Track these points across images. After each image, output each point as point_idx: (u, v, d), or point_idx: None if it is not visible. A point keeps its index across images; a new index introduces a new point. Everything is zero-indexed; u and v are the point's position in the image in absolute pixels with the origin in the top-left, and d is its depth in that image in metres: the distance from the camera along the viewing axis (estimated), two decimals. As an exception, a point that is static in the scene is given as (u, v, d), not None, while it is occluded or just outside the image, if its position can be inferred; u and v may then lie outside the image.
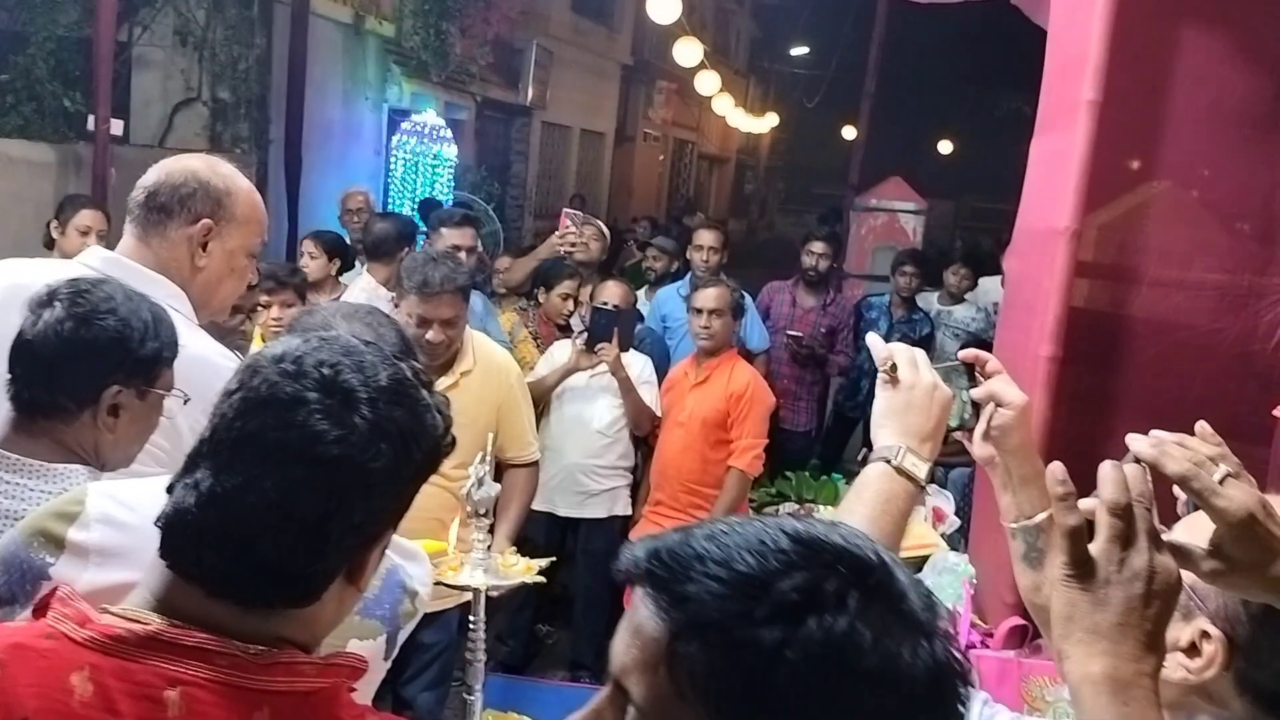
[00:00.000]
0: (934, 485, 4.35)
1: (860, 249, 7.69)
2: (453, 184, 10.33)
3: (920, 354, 1.31)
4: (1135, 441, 0.99)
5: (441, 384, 3.11)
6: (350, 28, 9.51)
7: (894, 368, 1.27)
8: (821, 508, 4.13)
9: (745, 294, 4.99)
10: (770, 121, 24.37)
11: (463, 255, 4.18)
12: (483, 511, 2.12)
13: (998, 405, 1.35)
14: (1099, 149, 2.69)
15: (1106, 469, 0.92)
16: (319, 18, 8.70)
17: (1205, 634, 1.11)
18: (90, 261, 1.99)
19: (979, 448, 1.37)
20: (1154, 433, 1.01)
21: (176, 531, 1.00)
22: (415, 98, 10.52)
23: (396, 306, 3.12)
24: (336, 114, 9.40)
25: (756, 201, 28.65)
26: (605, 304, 4.20)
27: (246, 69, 8.16)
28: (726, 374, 4.08)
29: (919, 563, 3.31)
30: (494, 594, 2.17)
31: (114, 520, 1.26)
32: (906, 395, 1.26)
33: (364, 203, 6.08)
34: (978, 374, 1.38)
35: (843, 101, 13.08)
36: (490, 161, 12.89)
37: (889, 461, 1.22)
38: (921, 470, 1.23)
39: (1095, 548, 0.91)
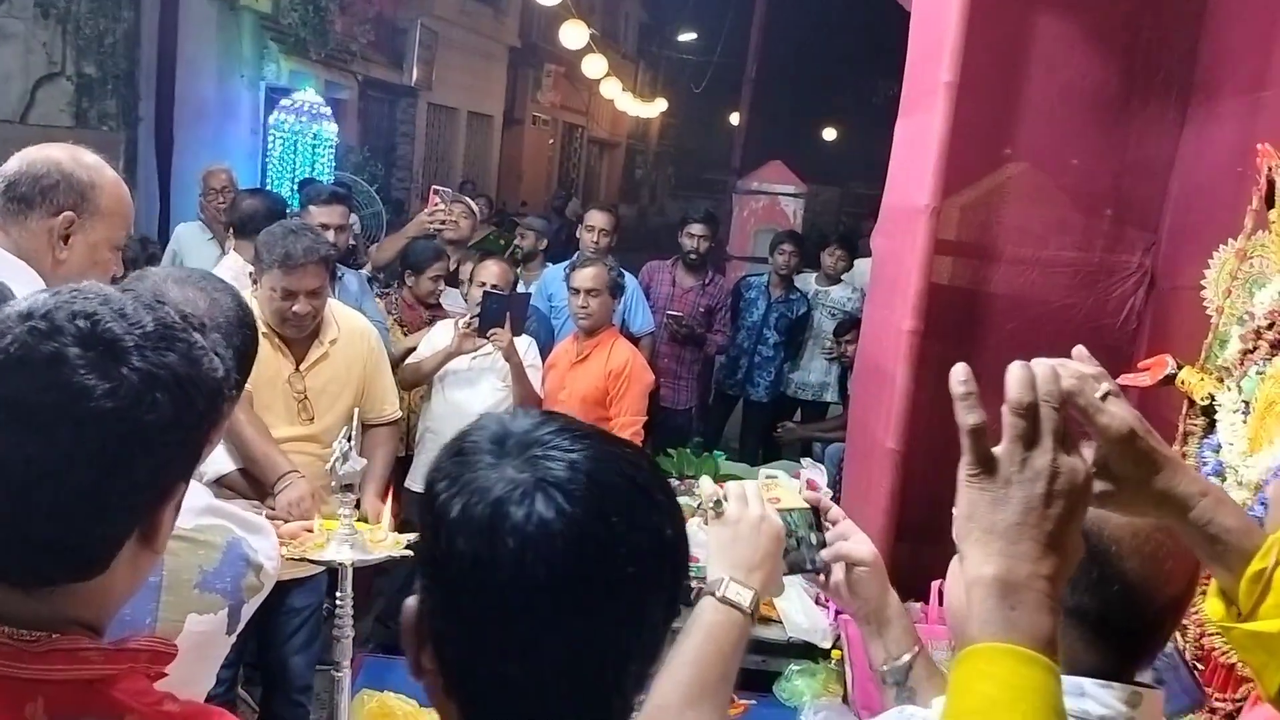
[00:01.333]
0: (808, 459, 4.46)
1: (742, 231, 7.80)
2: (334, 164, 10.10)
3: (751, 487, 1.34)
4: (1016, 366, 0.94)
5: (312, 354, 3.13)
6: (224, 3, 9.21)
7: (718, 503, 1.30)
8: (701, 480, 4.19)
9: (627, 274, 5.03)
10: (659, 106, 24.45)
11: (331, 234, 4.10)
12: (348, 485, 2.10)
13: (850, 565, 1.38)
14: (957, 130, 2.78)
15: (1014, 368, 0.90)
16: (190, -9, 8.42)
17: None
18: None
19: (837, 600, 1.41)
20: (1035, 360, 0.98)
21: None
22: (294, 76, 10.26)
23: (256, 283, 3.07)
24: (210, 91, 9.10)
25: (647, 186, 28.74)
26: (494, 287, 4.16)
27: (113, 43, 7.84)
28: (606, 352, 4.12)
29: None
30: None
31: None
32: (733, 529, 1.28)
33: (227, 181, 5.87)
34: (824, 520, 1.42)
35: (728, 87, 13.22)
36: (375, 143, 12.65)
37: (714, 595, 1.22)
38: (746, 598, 1.22)
39: (999, 448, 0.89)
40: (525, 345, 4.20)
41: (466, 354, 4.04)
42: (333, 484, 2.15)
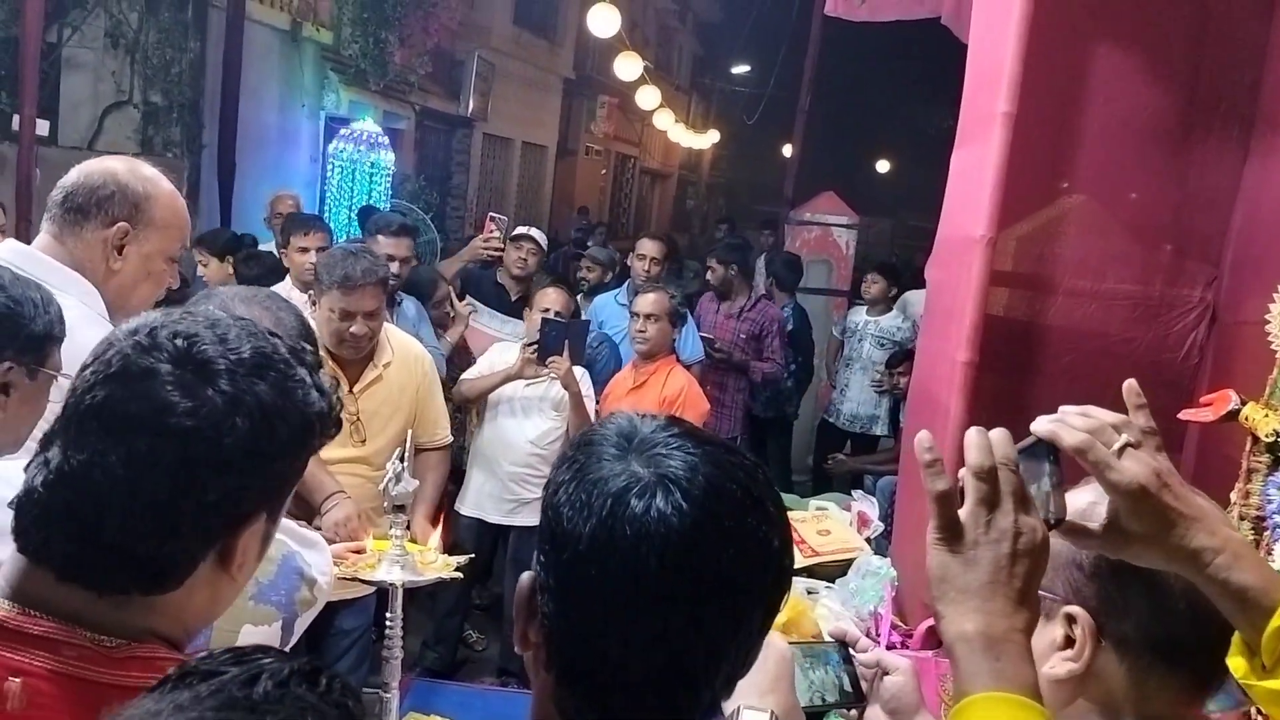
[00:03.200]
0: (860, 491, 4.42)
1: (794, 262, 7.77)
2: (390, 193, 10.26)
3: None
4: (1038, 422, 1.01)
5: (366, 377, 3.18)
6: (287, 34, 9.43)
7: None
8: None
9: (685, 304, 5.05)
10: (712, 138, 24.54)
11: (395, 265, 4.17)
12: (400, 506, 2.12)
13: (884, 673, 1.38)
14: (1014, 160, 2.76)
15: (971, 434, 0.95)
16: (255, 23, 8.63)
17: (1070, 619, 1.12)
18: (1, 253, 1.95)
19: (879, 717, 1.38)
20: (1062, 407, 1.03)
21: (25, 512, 0.95)
22: (353, 106, 10.45)
23: (315, 305, 3.14)
24: (272, 120, 9.30)
25: (698, 216, 28.80)
26: (556, 314, 4.17)
27: (179, 73, 8.06)
28: (663, 379, 4.13)
29: (844, 566, 3.36)
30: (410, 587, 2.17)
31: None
32: None
33: (294, 206, 6.01)
34: (852, 651, 1.41)
35: (781, 119, 13.23)
36: (430, 172, 12.83)
37: None
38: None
39: (963, 511, 0.93)
40: (579, 375, 4.22)
41: (526, 379, 4.06)
42: (385, 505, 2.17)
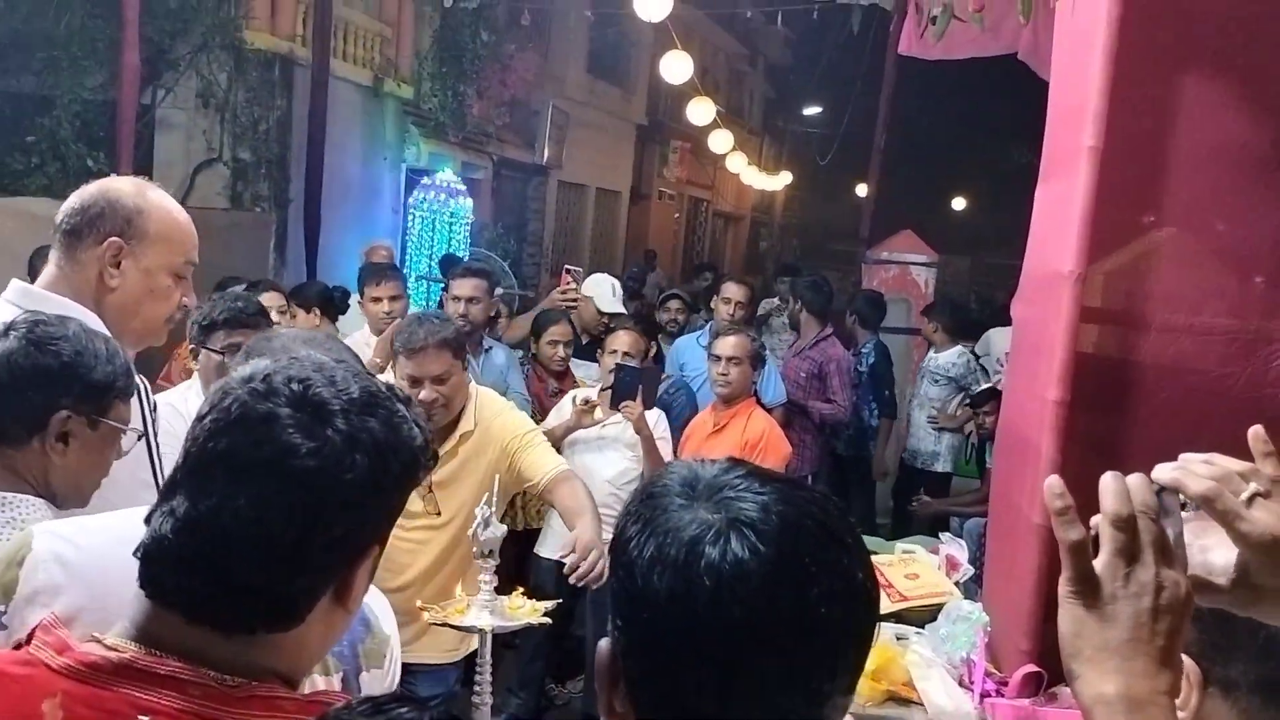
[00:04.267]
0: (948, 534, 4.33)
1: (873, 301, 7.72)
2: (469, 241, 10.45)
3: None
4: (1160, 469, 0.95)
5: (445, 446, 3.00)
6: (369, 89, 9.70)
7: None
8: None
9: (766, 346, 5.03)
10: (784, 179, 24.57)
11: (462, 305, 4.23)
12: (488, 552, 2.13)
13: None
14: (1101, 194, 2.71)
15: (1107, 480, 0.89)
16: (339, 80, 8.89)
17: None
18: (5, 294, 1.94)
19: None
20: (1183, 455, 0.98)
21: (154, 560, 0.98)
22: (433, 157, 10.70)
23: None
24: (355, 173, 9.56)
25: (772, 258, 28.79)
26: (626, 356, 4.19)
27: (267, 130, 8.34)
28: (743, 422, 4.11)
29: (934, 611, 3.28)
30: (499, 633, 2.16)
31: (61, 557, 1.20)
32: None
33: (387, 256, 6.21)
34: None
35: (855, 158, 13.20)
36: (507, 219, 13.05)
37: None
38: None
39: (1099, 563, 0.88)
40: (655, 418, 4.21)
41: (585, 428, 4.06)
42: (475, 551, 2.18)
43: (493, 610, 2.10)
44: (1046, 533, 2.86)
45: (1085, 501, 2.79)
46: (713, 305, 5.91)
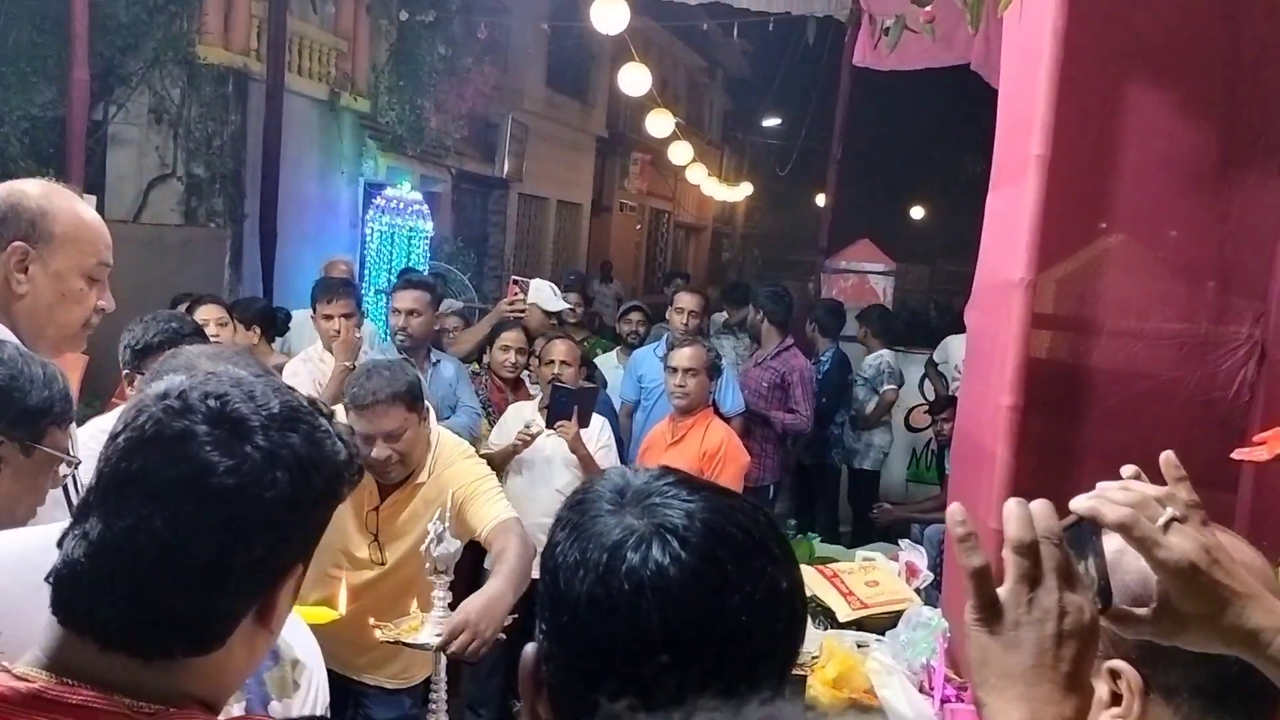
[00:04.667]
0: (907, 541, 4.35)
1: (832, 310, 7.78)
2: (429, 255, 10.39)
3: None
4: (1077, 500, 0.95)
5: (396, 495, 2.87)
6: (325, 104, 9.64)
7: None
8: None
9: (722, 356, 5.03)
10: (745, 190, 24.69)
11: (403, 318, 4.20)
12: (442, 569, 2.10)
13: None
14: (1049, 202, 2.74)
15: (1011, 506, 0.89)
16: (294, 94, 8.82)
17: (1114, 674, 1.07)
18: None
19: None
20: (1100, 484, 0.98)
21: (66, 584, 0.95)
22: (391, 171, 10.63)
23: None
24: (312, 188, 9.48)
25: (734, 268, 28.89)
26: (564, 364, 4.24)
27: (221, 145, 8.26)
28: (701, 433, 4.11)
29: (894, 618, 3.29)
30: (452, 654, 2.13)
31: None
32: None
33: (346, 272, 6.15)
34: None
35: (813, 169, 13.32)
36: (467, 233, 13.00)
37: None
38: None
39: (1004, 590, 0.87)
40: (599, 425, 4.21)
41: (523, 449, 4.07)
42: (426, 566, 2.16)
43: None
44: (1002, 538, 2.88)
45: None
46: (667, 316, 5.91)
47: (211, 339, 3.93)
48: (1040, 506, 0.90)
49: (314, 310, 4.43)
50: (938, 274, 20.71)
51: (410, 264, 9.83)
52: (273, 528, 0.97)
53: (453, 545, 2.14)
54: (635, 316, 6.43)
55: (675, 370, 4.11)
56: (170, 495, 0.93)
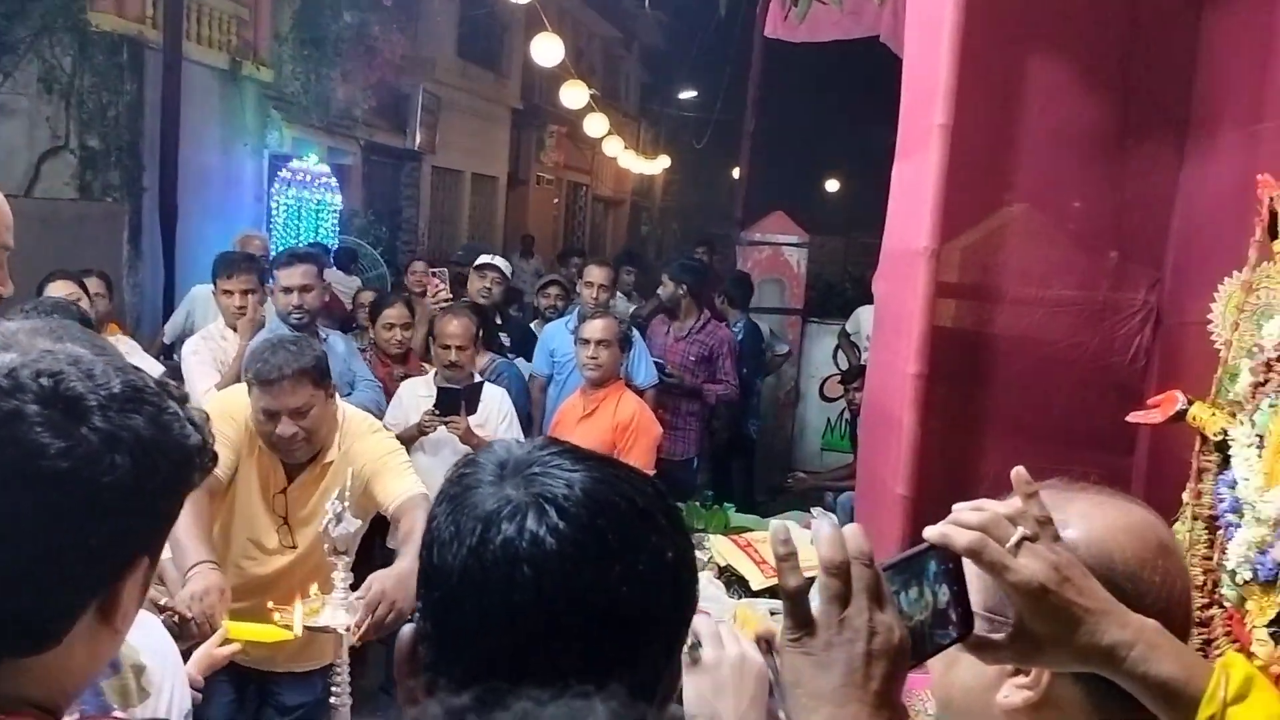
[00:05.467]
0: (819, 509, 4.40)
1: (746, 282, 7.81)
2: (338, 229, 10.18)
3: (724, 626, 1.17)
4: (929, 529, 0.94)
5: (304, 475, 2.80)
6: (226, 73, 9.34)
7: (694, 647, 1.12)
8: (712, 536, 4.13)
9: (634, 329, 5.02)
10: (662, 163, 24.64)
11: (295, 296, 4.08)
12: (342, 549, 2.05)
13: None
14: (953, 171, 2.76)
15: (824, 528, 0.89)
16: (192, 63, 8.53)
17: None
18: None
19: None
20: (955, 506, 0.97)
21: None
22: (297, 143, 10.37)
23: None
24: (214, 160, 9.20)
25: (653, 242, 28.90)
26: (459, 349, 4.26)
27: (116, 116, 7.95)
28: (613, 405, 4.10)
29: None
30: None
31: None
32: (713, 676, 1.12)
33: (261, 248, 5.97)
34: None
35: (729, 142, 13.33)
36: (379, 206, 12.76)
37: None
38: None
39: (816, 610, 0.86)
40: (499, 396, 4.18)
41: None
42: (326, 546, 2.10)
43: (349, 608, 2.03)
44: (909, 504, 2.92)
45: (946, 472, 2.85)
46: (577, 290, 5.89)
47: None
48: (852, 529, 0.89)
49: (215, 285, 4.29)
50: (852, 246, 20.96)
51: (319, 239, 9.62)
52: (112, 516, 0.89)
53: (352, 525, 2.09)
54: (554, 290, 6.39)
55: (587, 342, 4.09)
56: None
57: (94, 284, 4.50)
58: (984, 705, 1.06)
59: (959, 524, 0.93)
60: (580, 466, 0.83)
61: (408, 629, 0.86)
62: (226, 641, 2.00)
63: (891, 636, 0.86)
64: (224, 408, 2.72)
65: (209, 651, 1.97)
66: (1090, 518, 1.04)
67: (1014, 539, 0.93)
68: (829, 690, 0.84)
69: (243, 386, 2.82)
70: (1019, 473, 0.98)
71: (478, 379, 4.30)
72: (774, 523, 0.92)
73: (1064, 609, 0.92)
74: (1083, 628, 0.92)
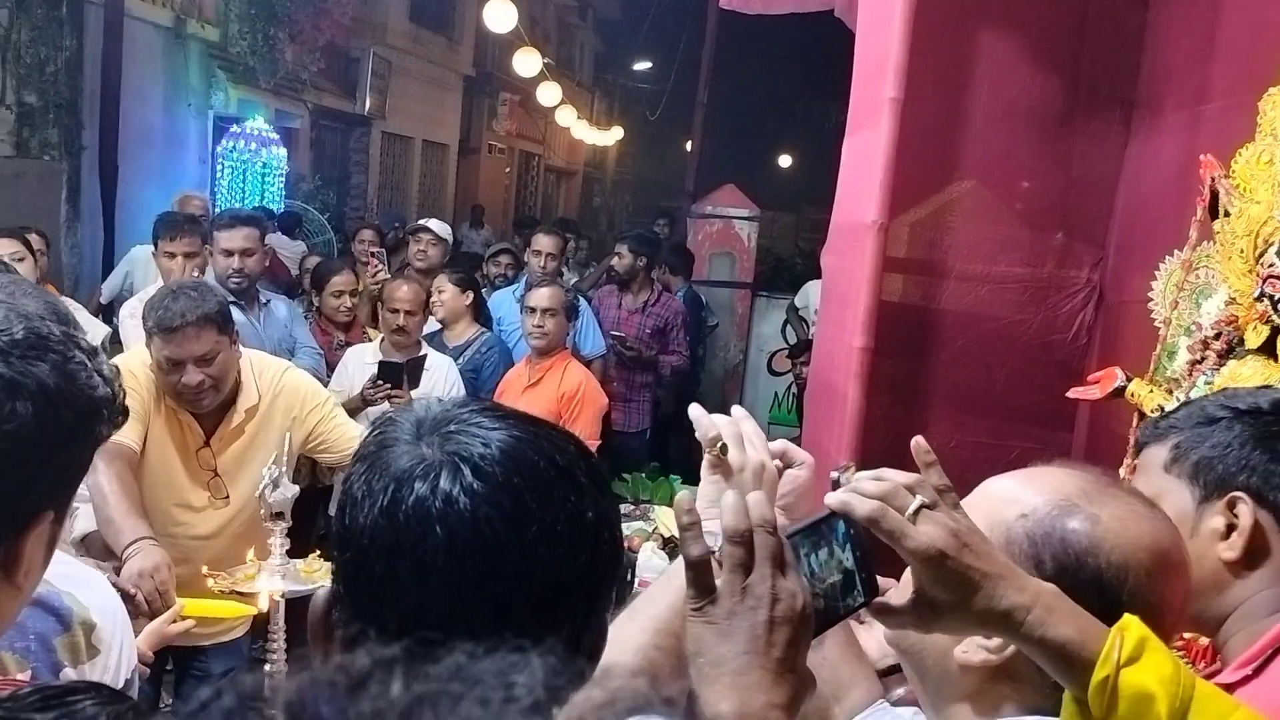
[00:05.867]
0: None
1: (698, 255, 7.78)
2: (284, 193, 10.00)
3: (750, 427, 1.13)
4: (830, 495, 0.94)
5: (225, 426, 2.73)
6: (170, 31, 9.10)
7: (724, 448, 1.08)
8: (657, 507, 4.14)
9: (581, 297, 5.00)
10: (615, 135, 24.52)
11: (236, 259, 3.97)
12: (278, 514, 2.02)
13: (786, 467, 1.21)
14: (903, 146, 2.77)
15: (728, 498, 0.88)
16: (135, 20, 8.30)
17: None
18: None
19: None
20: (857, 475, 0.98)
21: None
22: (243, 104, 10.15)
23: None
24: (157, 120, 8.98)
25: (605, 213, 28.80)
26: (408, 315, 4.18)
27: (55, 72, 7.72)
28: (559, 375, 4.08)
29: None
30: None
31: None
32: (737, 480, 1.08)
33: (200, 208, 5.83)
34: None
35: (682, 114, 13.30)
36: (327, 172, 12.55)
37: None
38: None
39: (720, 580, 0.86)
40: (446, 365, 4.15)
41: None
42: (262, 512, 2.07)
43: (285, 575, 2.00)
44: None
45: (889, 445, 2.85)
46: (525, 259, 5.85)
47: None
48: (756, 498, 0.89)
49: (155, 247, 4.18)
50: (803, 221, 21.05)
51: (265, 202, 9.45)
52: (13, 465, 0.86)
53: (290, 490, 2.06)
54: (504, 259, 6.34)
55: (534, 310, 4.06)
56: None
57: (34, 241, 4.37)
58: (940, 652, 1.07)
59: (860, 493, 0.94)
60: (500, 425, 0.81)
61: (321, 593, 0.84)
62: (180, 619, 1.97)
63: (795, 603, 0.86)
64: (125, 372, 2.62)
65: (159, 628, 1.94)
66: (1124, 523, 1.04)
67: (912, 507, 0.93)
68: (731, 658, 0.83)
69: (139, 350, 2.72)
70: (918, 442, 0.99)
71: (425, 350, 4.23)
72: (680, 493, 0.91)
73: (962, 574, 0.93)
74: (980, 592, 0.93)
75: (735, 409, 1.13)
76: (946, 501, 0.95)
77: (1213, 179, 2.19)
